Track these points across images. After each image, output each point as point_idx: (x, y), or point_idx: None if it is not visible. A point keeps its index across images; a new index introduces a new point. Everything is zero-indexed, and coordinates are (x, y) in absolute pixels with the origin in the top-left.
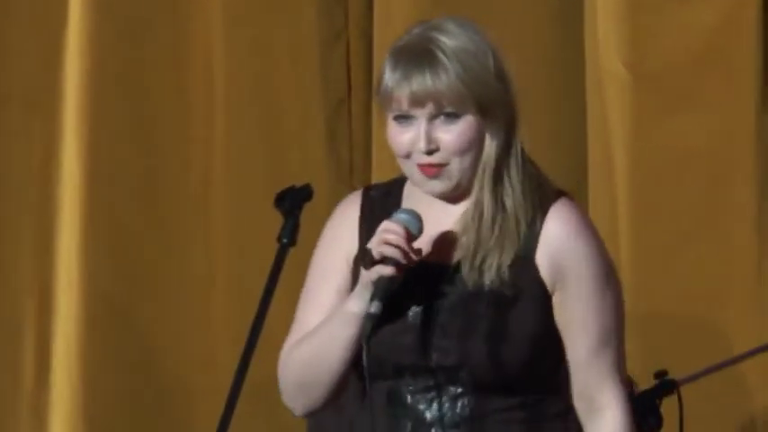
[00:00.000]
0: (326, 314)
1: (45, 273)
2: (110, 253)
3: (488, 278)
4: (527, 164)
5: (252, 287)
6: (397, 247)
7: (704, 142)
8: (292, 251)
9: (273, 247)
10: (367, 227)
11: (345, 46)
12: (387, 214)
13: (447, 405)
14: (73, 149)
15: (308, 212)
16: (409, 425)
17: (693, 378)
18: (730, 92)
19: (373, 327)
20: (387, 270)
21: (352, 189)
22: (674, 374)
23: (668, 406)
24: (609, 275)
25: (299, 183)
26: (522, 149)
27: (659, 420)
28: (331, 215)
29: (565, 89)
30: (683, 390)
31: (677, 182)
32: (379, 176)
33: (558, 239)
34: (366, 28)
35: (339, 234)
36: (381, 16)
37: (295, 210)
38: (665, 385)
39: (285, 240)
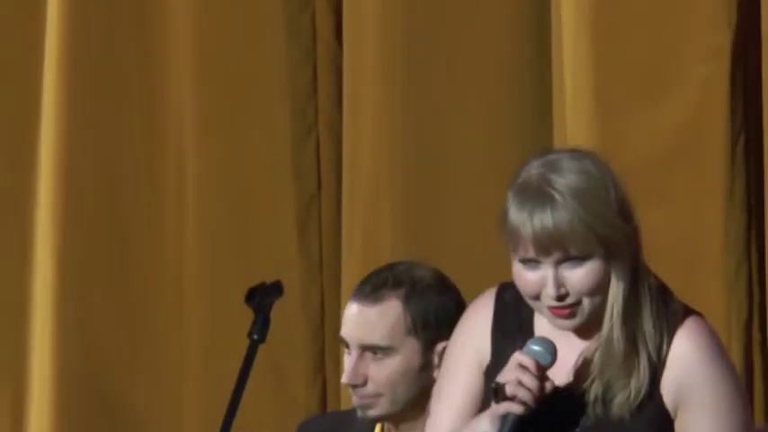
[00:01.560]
0: (456, 413)
1: (19, 359)
2: (82, 337)
3: (616, 406)
4: (656, 291)
5: (223, 375)
6: (528, 389)
7: (674, 237)
8: (262, 346)
9: (245, 338)
10: (500, 334)
11: (315, 142)
12: (519, 327)
13: None
14: (46, 237)
15: (278, 308)
16: None
17: None
18: (698, 188)
19: None
20: (516, 408)
21: (322, 285)
22: None
23: None
24: (736, 400)
25: (269, 279)
26: (650, 274)
27: None
28: (465, 313)
29: None
30: None
31: None
32: (348, 272)
33: (683, 365)
34: (336, 124)
35: (472, 336)
36: (350, 112)
37: (265, 306)
38: None
39: (255, 337)
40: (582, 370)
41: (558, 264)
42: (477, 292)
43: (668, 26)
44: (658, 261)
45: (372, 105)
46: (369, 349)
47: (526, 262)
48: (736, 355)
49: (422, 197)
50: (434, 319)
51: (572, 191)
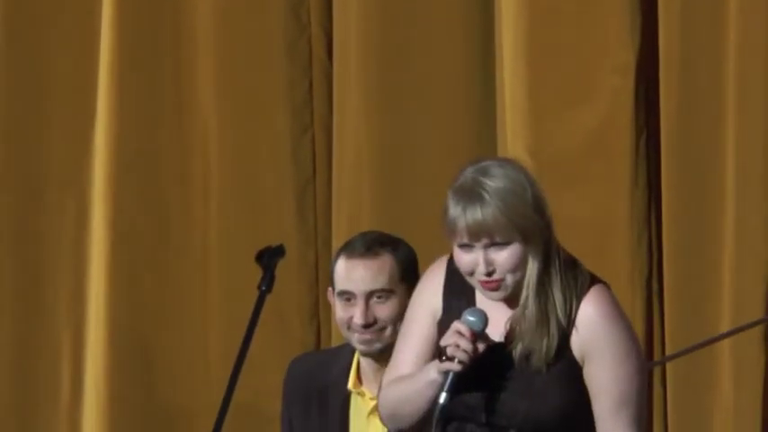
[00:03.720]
0: (415, 355)
1: (78, 313)
2: (127, 293)
3: (534, 361)
4: (566, 266)
5: (238, 319)
6: (464, 351)
7: (591, 212)
8: (269, 296)
9: (255, 291)
10: (450, 294)
11: (311, 138)
12: (465, 289)
13: None
14: (101, 220)
15: (281, 266)
16: None
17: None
18: (610, 174)
19: (442, 412)
20: (455, 367)
21: (316, 250)
22: None
23: None
24: (629, 351)
25: (274, 243)
26: (561, 252)
27: None
28: (423, 276)
29: None
30: None
31: (570, 244)
32: (336, 240)
33: (587, 325)
34: (328, 124)
35: (428, 294)
36: (339, 116)
37: (271, 264)
38: None
39: (263, 288)
40: (509, 333)
41: (486, 247)
42: (435, 258)
43: (587, 46)
44: (579, 231)
45: (356, 110)
46: (374, 294)
47: (462, 246)
48: (640, 304)
49: (394, 183)
50: (413, 268)
51: (496, 191)
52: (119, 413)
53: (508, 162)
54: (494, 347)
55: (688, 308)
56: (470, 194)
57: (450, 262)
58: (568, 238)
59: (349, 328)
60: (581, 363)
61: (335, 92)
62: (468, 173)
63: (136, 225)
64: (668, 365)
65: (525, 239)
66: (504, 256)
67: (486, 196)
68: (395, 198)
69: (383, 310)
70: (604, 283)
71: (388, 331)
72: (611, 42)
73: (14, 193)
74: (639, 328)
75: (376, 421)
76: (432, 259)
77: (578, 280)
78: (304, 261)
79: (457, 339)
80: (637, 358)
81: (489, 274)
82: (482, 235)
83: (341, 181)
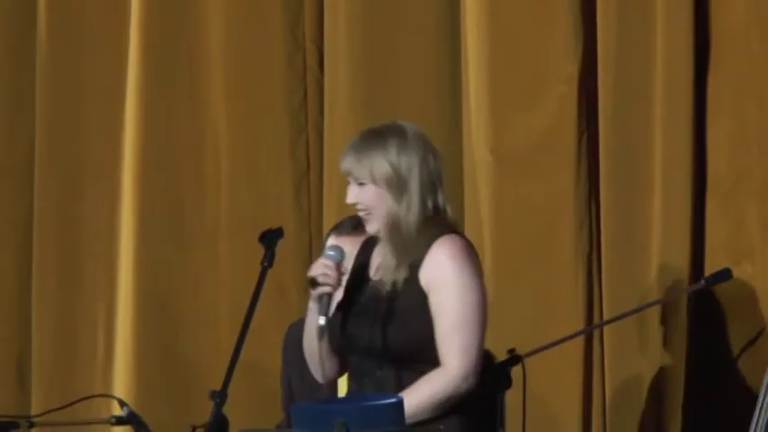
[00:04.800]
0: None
1: (110, 285)
2: (152, 273)
3: (389, 289)
4: (430, 219)
5: (244, 290)
6: (328, 275)
7: (541, 200)
8: (270, 270)
9: (258, 266)
10: (360, 252)
11: (306, 138)
12: (367, 246)
13: (376, 372)
14: (129, 206)
15: (280, 246)
16: (357, 383)
17: (534, 353)
18: (557, 167)
19: (323, 331)
20: (326, 289)
21: (310, 233)
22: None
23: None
24: (467, 286)
25: (275, 226)
26: (431, 208)
27: (509, 382)
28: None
29: (449, 167)
30: (526, 360)
31: (525, 226)
32: (327, 224)
33: (433, 260)
34: (320, 127)
35: (353, 256)
36: (329, 119)
37: (272, 244)
38: (514, 358)
39: (266, 264)
40: (377, 268)
41: (355, 183)
42: None
43: (538, 60)
44: (532, 216)
45: (344, 114)
46: None
47: (347, 182)
48: (582, 277)
49: None
50: None
51: (364, 144)
52: (144, 370)
53: (393, 126)
54: (369, 280)
55: (622, 280)
56: (350, 145)
57: (369, 238)
58: (523, 222)
59: None
60: (427, 292)
61: (326, 99)
62: (363, 132)
63: (158, 211)
64: (605, 328)
65: (380, 184)
66: (361, 192)
67: (356, 147)
68: None
69: None
70: (461, 236)
71: None
72: (558, 57)
73: (56, 184)
74: (581, 296)
75: None
76: None
77: (436, 229)
78: (300, 241)
79: (323, 269)
80: (474, 295)
81: (357, 204)
82: (351, 175)
83: (331, 174)
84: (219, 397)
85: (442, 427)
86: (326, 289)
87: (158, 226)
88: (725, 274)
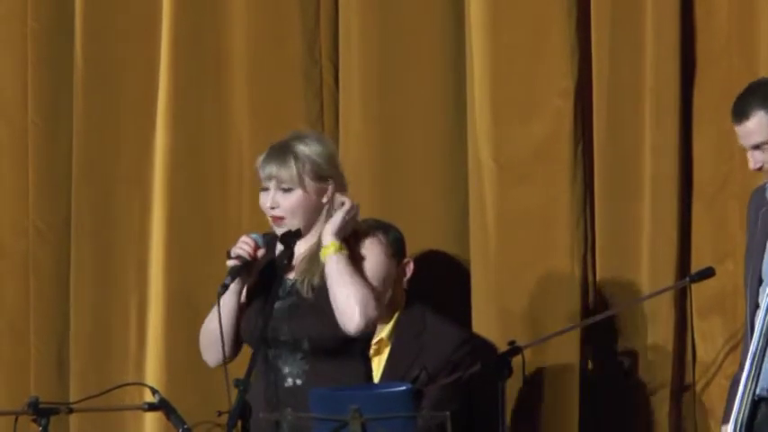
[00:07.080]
0: None
1: (142, 282)
2: (181, 271)
3: (308, 289)
4: (352, 221)
5: None
6: (244, 249)
7: (540, 203)
8: None
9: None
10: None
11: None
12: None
13: (294, 363)
14: (160, 208)
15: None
16: (274, 375)
17: (533, 344)
18: (554, 174)
19: (223, 292)
20: (238, 261)
21: None
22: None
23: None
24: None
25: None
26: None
27: (510, 371)
28: None
29: (455, 174)
30: (526, 351)
31: (525, 228)
32: None
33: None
34: (335, 136)
35: None
36: (344, 127)
37: (291, 243)
38: (514, 349)
39: (285, 261)
40: (300, 261)
41: (275, 190)
42: (421, 242)
43: (537, 75)
44: (531, 219)
45: (357, 124)
46: None
47: (264, 190)
48: (578, 273)
49: (387, 181)
50: (401, 247)
51: (290, 153)
52: (173, 360)
53: (311, 134)
54: (289, 280)
55: (614, 277)
56: (275, 150)
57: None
58: (524, 224)
59: None
60: None
61: (341, 111)
62: (286, 137)
63: (186, 213)
64: (599, 322)
65: (304, 191)
66: (283, 199)
67: (281, 155)
68: (387, 193)
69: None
70: (386, 234)
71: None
72: (555, 73)
73: (93, 188)
74: (577, 293)
75: None
76: (415, 244)
77: (361, 229)
78: None
79: (241, 245)
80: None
81: (274, 209)
82: (272, 181)
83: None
84: (243, 385)
85: (448, 413)
86: (235, 262)
87: (186, 227)
88: (709, 272)
